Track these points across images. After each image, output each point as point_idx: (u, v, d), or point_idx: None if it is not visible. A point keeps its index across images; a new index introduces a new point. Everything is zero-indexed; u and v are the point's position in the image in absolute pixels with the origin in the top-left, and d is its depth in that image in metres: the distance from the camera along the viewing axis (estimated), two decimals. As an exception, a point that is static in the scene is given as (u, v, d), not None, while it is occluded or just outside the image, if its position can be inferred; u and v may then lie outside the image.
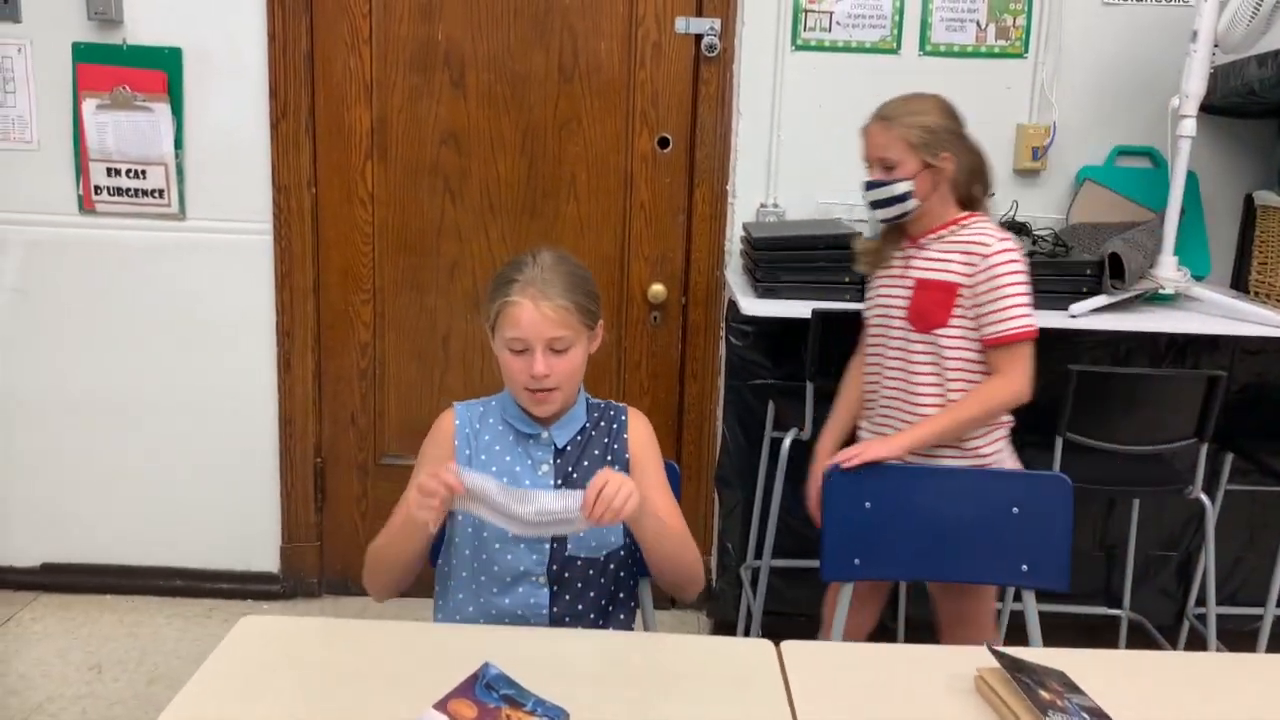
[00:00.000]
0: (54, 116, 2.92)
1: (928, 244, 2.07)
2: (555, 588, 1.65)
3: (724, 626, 2.97)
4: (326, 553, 3.19)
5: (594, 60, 2.93)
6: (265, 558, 3.16)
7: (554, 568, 1.64)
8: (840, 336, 2.45)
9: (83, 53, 2.88)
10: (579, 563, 1.65)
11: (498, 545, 1.64)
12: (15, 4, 2.86)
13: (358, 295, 3.08)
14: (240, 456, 3.10)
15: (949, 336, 2.03)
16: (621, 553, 1.70)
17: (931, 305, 2.03)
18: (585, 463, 1.69)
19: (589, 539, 1.65)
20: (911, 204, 2.03)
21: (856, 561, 1.97)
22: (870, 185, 2.07)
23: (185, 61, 2.89)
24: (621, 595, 1.73)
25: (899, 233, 2.11)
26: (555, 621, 1.64)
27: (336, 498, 3.18)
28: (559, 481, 1.67)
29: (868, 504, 1.97)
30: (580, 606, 1.66)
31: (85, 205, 2.96)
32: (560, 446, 1.69)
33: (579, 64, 2.93)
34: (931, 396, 2.06)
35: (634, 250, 3.02)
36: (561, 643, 1.50)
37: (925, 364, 2.06)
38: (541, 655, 1.43)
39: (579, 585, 1.66)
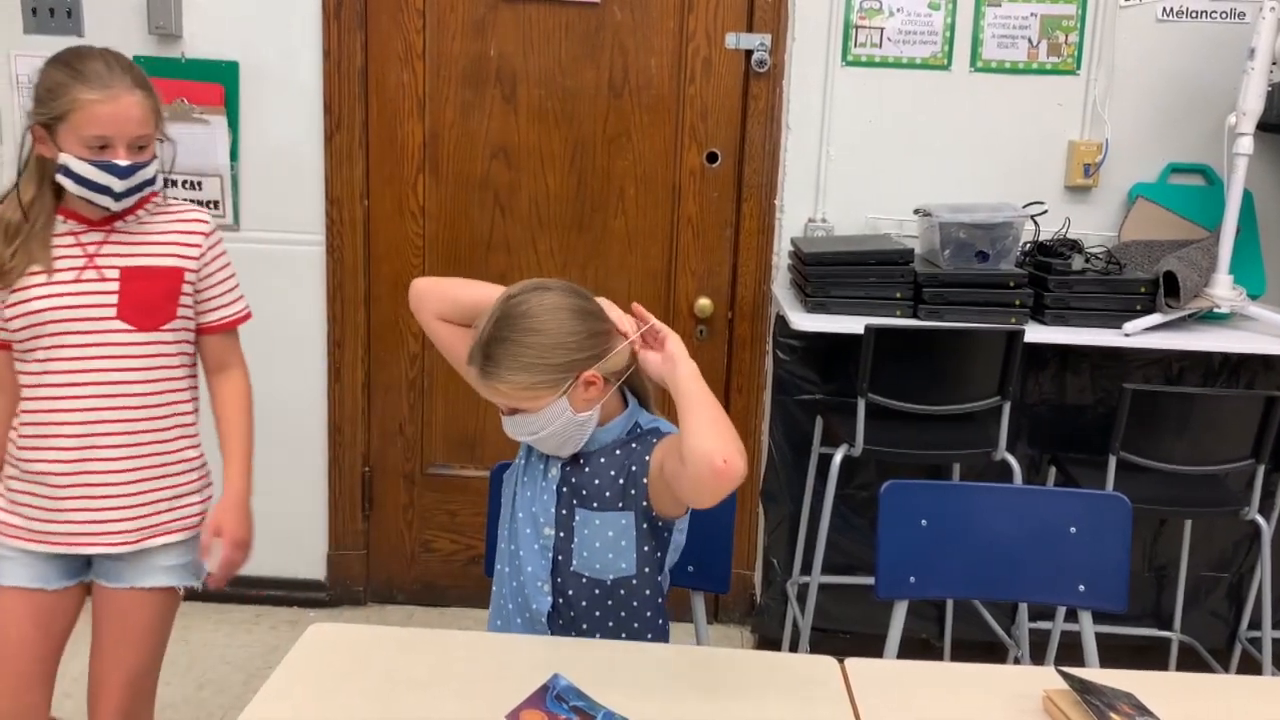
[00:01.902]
0: (113, 129, 2.97)
1: (123, 228, 1.75)
2: (559, 599, 1.61)
3: (768, 642, 2.96)
4: (372, 561, 3.22)
5: (644, 76, 2.95)
6: (312, 565, 3.19)
7: (558, 580, 1.61)
8: (892, 352, 2.46)
9: (143, 65, 2.92)
10: (583, 580, 1.61)
11: (518, 548, 1.63)
12: (78, 19, 2.92)
13: (407, 308, 3.07)
14: (289, 464, 3.13)
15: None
16: (634, 581, 1.62)
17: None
18: (590, 472, 1.61)
19: (594, 559, 1.60)
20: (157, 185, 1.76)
21: (911, 579, 1.97)
22: (130, 170, 1.67)
23: (242, 75, 2.94)
24: (634, 623, 1.64)
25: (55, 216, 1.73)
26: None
27: (383, 507, 3.21)
28: (564, 489, 1.61)
29: (924, 522, 1.96)
30: (585, 626, 1.61)
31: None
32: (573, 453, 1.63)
33: (629, 80, 2.96)
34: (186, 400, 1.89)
35: (681, 264, 3.04)
36: (626, 655, 1.51)
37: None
38: (606, 667, 1.44)
39: (583, 603, 1.61)
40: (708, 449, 1.40)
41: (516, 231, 3.05)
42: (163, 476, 1.85)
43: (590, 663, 1.44)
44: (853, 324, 2.50)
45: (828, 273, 2.60)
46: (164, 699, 2.67)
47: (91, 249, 1.73)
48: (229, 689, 2.75)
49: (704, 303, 3.02)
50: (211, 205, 2.99)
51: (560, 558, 1.61)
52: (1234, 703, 1.47)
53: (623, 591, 1.62)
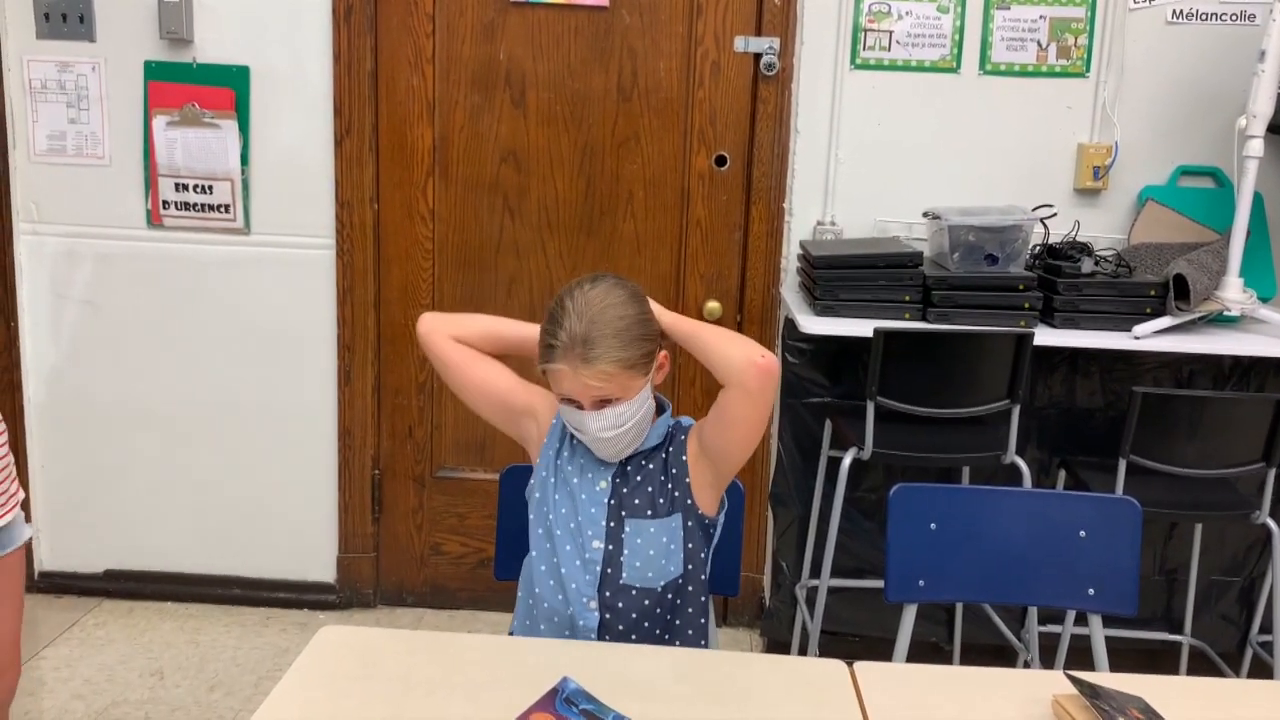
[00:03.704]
0: (125, 133, 2.99)
1: None
2: (607, 615, 1.62)
3: (777, 645, 2.96)
4: (383, 564, 3.23)
5: (653, 79, 2.96)
6: (322, 568, 3.20)
7: (606, 594, 1.61)
8: (901, 355, 2.46)
9: (154, 71, 2.95)
10: (633, 592, 1.62)
11: (558, 563, 1.64)
12: (90, 24, 2.94)
13: (417, 310, 3.09)
14: (300, 467, 3.15)
15: None
16: (680, 581, 1.65)
17: None
18: (641, 480, 1.67)
19: (646, 568, 1.61)
20: None
21: (921, 583, 1.96)
22: None
23: (252, 80, 2.95)
24: (679, 623, 1.67)
25: None
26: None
27: (393, 510, 3.21)
28: (613, 500, 1.65)
29: (933, 525, 1.96)
30: (634, 638, 1.62)
31: (153, 219, 3.03)
32: (620, 463, 1.68)
33: (638, 83, 2.96)
34: None
35: (689, 268, 3.04)
36: (635, 659, 1.51)
37: None
38: (616, 671, 1.44)
39: (633, 616, 1.63)
40: (742, 355, 1.57)
41: (525, 235, 3.06)
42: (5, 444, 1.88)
43: (599, 666, 1.44)
44: (861, 327, 2.50)
45: (836, 276, 2.60)
46: (174, 701, 2.70)
47: None
48: (239, 691, 2.76)
49: (713, 306, 3.03)
50: (223, 209, 3.01)
51: (610, 571, 1.62)
52: (1245, 707, 1.47)
53: (671, 596, 1.65)
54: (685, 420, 1.75)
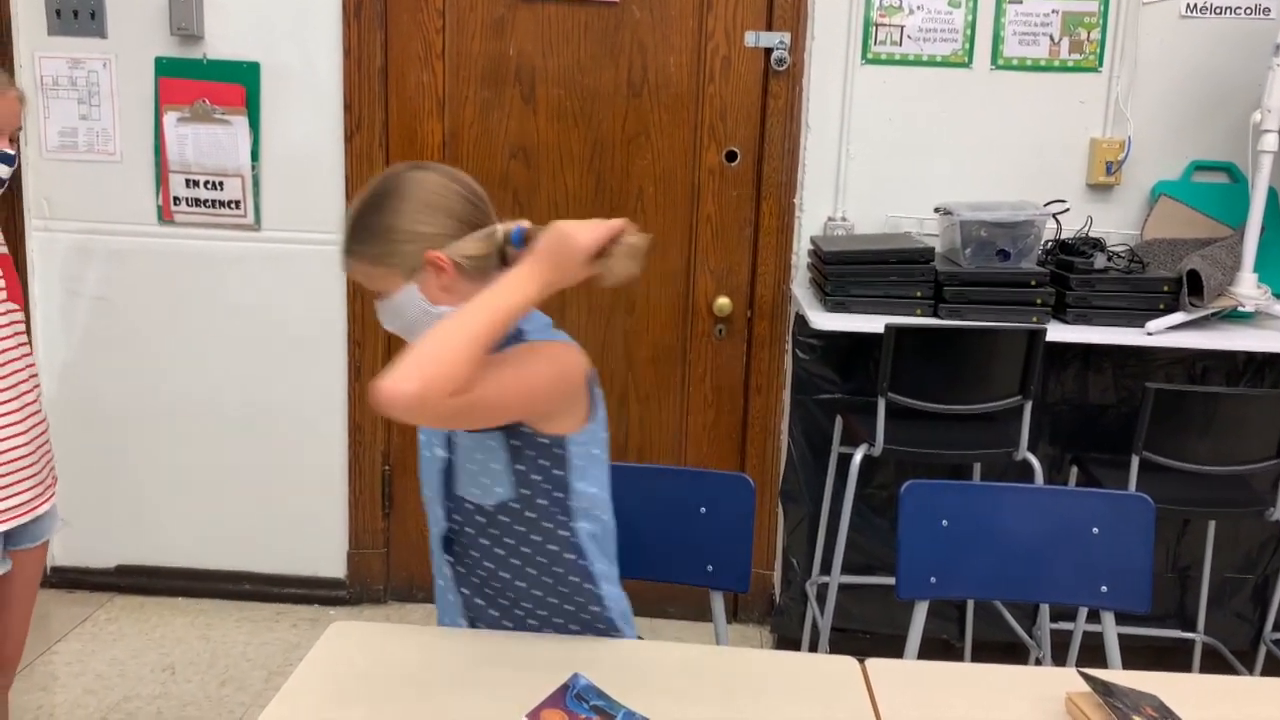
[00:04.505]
0: (136, 129, 3.00)
1: None
2: (454, 525, 1.55)
3: (788, 642, 2.95)
4: (393, 560, 3.23)
5: (663, 75, 2.95)
6: (333, 564, 3.21)
7: (450, 502, 1.54)
8: (912, 351, 2.45)
9: (165, 67, 2.96)
10: (468, 505, 1.52)
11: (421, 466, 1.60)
12: (101, 20, 2.95)
13: (426, 306, 3.11)
14: (310, 463, 3.15)
15: None
16: (517, 507, 1.49)
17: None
18: None
19: (471, 483, 1.50)
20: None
21: (932, 580, 1.95)
22: (14, 158, 1.79)
23: (263, 76, 2.96)
24: (532, 553, 1.52)
25: None
26: (457, 570, 1.57)
27: (403, 505, 3.22)
28: None
29: (944, 522, 1.95)
30: (475, 554, 1.54)
31: (164, 215, 3.03)
32: None
33: (648, 79, 2.95)
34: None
35: (700, 263, 3.03)
36: (645, 654, 1.51)
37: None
38: (625, 667, 1.44)
39: (470, 530, 1.54)
40: (393, 370, 1.25)
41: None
42: (48, 440, 1.96)
43: (611, 662, 1.44)
44: (873, 323, 2.49)
45: (847, 271, 2.59)
46: (185, 696, 2.70)
47: None
48: (250, 686, 2.76)
49: (723, 302, 3.02)
50: (233, 205, 3.01)
51: (450, 479, 1.53)
52: (1259, 705, 1.46)
53: (508, 520, 1.51)
54: (527, 335, 1.48)
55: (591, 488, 1.54)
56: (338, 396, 3.12)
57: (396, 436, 3.19)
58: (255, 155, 2.99)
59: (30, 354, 1.91)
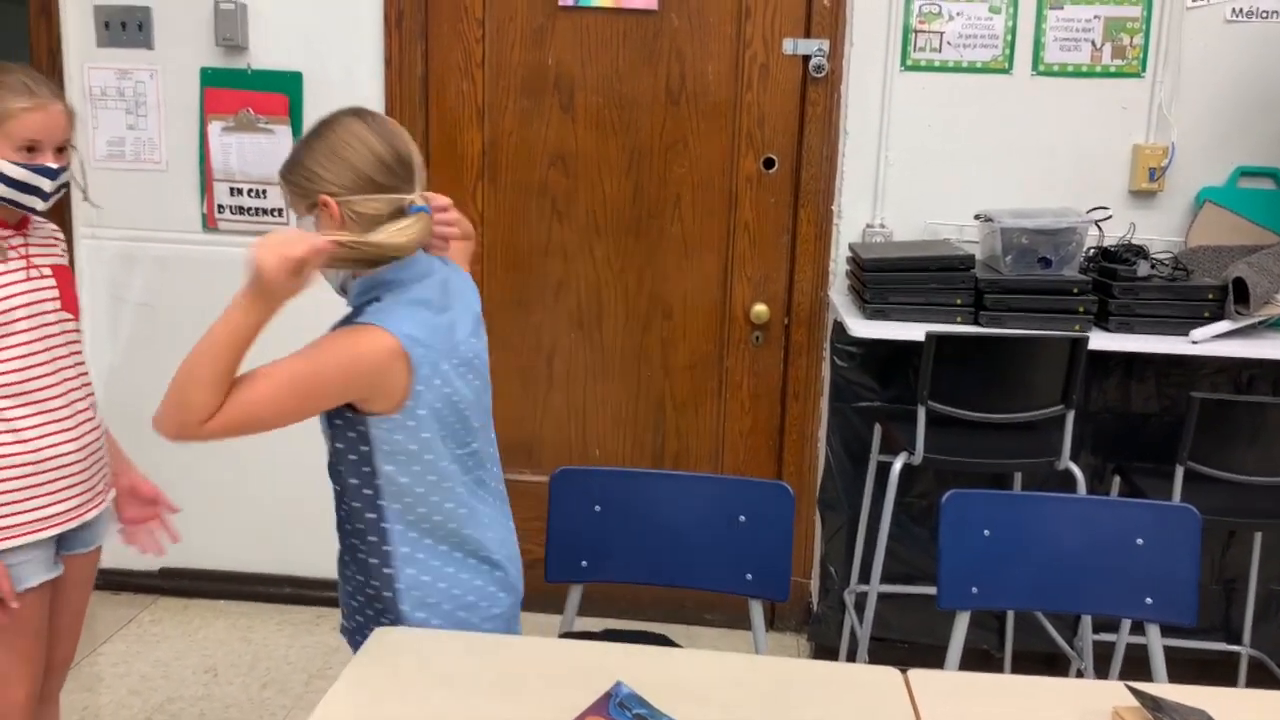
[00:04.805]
0: (181, 138, 3.05)
1: (35, 229, 1.88)
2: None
3: (825, 651, 2.94)
4: (430, 565, 3.25)
5: (701, 83, 2.95)
6: (371, 568, 3.23)
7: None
8: (952, 359, 2.44)
9: (210, 77, 3.00)
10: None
11: None
12: (149, 32, 3.00)
13: (465, 313, 3.14)
14: (350, 469, 3.17)
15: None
16: (334, 479, 1.62)
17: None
18: None
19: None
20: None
21: (974, 590, 1.94)
22: (58, 172, 1.78)
23: (305, 85, 2.99)
24: (348, 527, 1.64)
25: None
26: None
27: (441, 511, 3.24)
28: None
29: (986, 532, 1.94)
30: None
31: (209, 223, 3.08)
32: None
33: (686, 86, 2.96)
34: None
35: (737, 270, 3.03)
36: (688, 663, 1.51)
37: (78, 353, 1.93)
38: (668, 675, 1.44)
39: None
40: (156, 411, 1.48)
41: (573, 238, 3.07)
42: (101, 446, 1.99)
43: (654, 670, 1.45)
44: (913, 331, 2.48)
45: (887, 279, 2.59)
46: (227, 698, 2.74)
47: (18, 247, 1.82)
48: (291, 689, 2.79)
49: (760, 309, 3.02)
50: (276, 213, 3.05)
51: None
52: (1311, 721, 1.44)
53: (337, 489, 1.64)
54: (363, 319, 1.52)
55: (403, 476, 1.55)
56: (377, 402, 3.14)
57: (435, 442, 3.20)
58: (297, 164, 3.02)
59: (84, 362, 1.94)
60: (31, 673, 1.84)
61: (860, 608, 2.77)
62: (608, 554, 2.01)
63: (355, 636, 1.65)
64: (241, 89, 3.00)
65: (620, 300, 3.08)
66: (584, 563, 2.01)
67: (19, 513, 1.79)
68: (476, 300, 1.70)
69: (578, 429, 3.16)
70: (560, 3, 2.94)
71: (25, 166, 1.73)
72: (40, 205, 1.78)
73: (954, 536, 1.94)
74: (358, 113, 1.53)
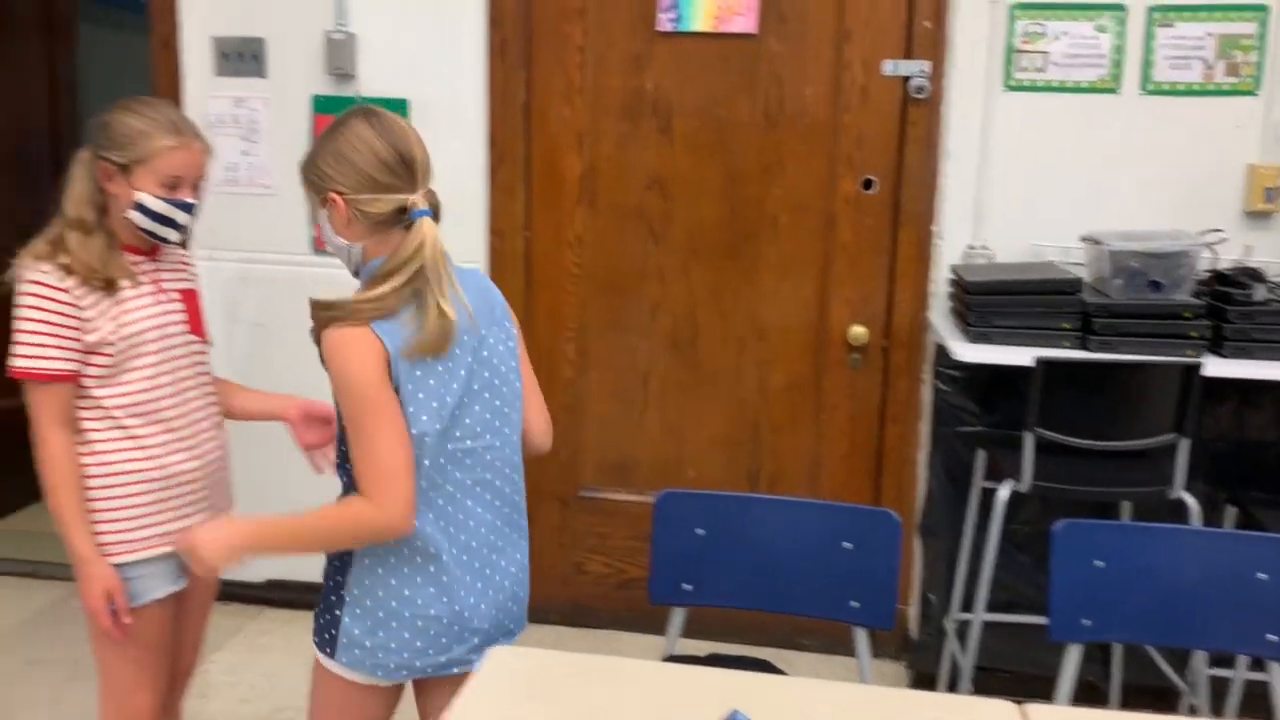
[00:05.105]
0: (292, 163, 3.11)
1: (166, 255, 1.97)
2: None
3: (925, 679, 2.90)
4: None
5: (799, 105, 2.96)
6: (469, 584, 3.28)
7: None
8: (1060, 385, 2.39)
9: (321, 104, 3.11)
10: None
11: None
12: (263, 62, 3.12)
13: (563, 333, 3.18)
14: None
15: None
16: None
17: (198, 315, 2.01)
18: None
19: None
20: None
21: (1086, 622, 1.91)
22: (194, 207, 1.88)
23: (411, 112, 3.07)
24: None
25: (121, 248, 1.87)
26: None
27: (538, 528, 3.24)
28: None
29: (1099, 563, 1.90)
30: None
31: (317, 245, 3.18)
32: None
33: (784, 109, 2.97)
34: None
35: (834, 292, 3.02)
36: (798, 692, 1.51)
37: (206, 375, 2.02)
38: (784, 704, 1.44)
39: None
40: None
41: (670, 260, 3.09)
42: (224, 466, 2.06)
43: (769, 699, 1.45)
44: (1018, 355, 2.44)
45: (991, 302, 2.55)
46: (334, 709, 2.79)
47: (149, 273, 1.90)
48: (393, 701, 2.84)
49: (858, 330, 3.00)
50: (381, 236, 3.13)
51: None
52: None
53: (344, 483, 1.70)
54: (336, 326, 1.58)
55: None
56: (476, 421, 3.20)
57: (531, 461, 3.23)
58: (403, 188, 3.10)
59: (210, 384, 2.02)
60: (155, 683, 1.92)
61: (962, 635, 2.72)
62: (711, 578, 2.02)
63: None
64: (350, 116, 3.09)
65: (716, 322, 3.09)
66: (687, 586, 2.02)
67: (144, 527, 1.87)
68: (497, 296, 1.76)
69: (673, 450, 3.17)
70: (659, 29, 2.97)
71: (166, 201, 1.82)
72: (174, 237, 1.87)
73: (1066, 567, 1.91)
74: (366, 114, 1.62)
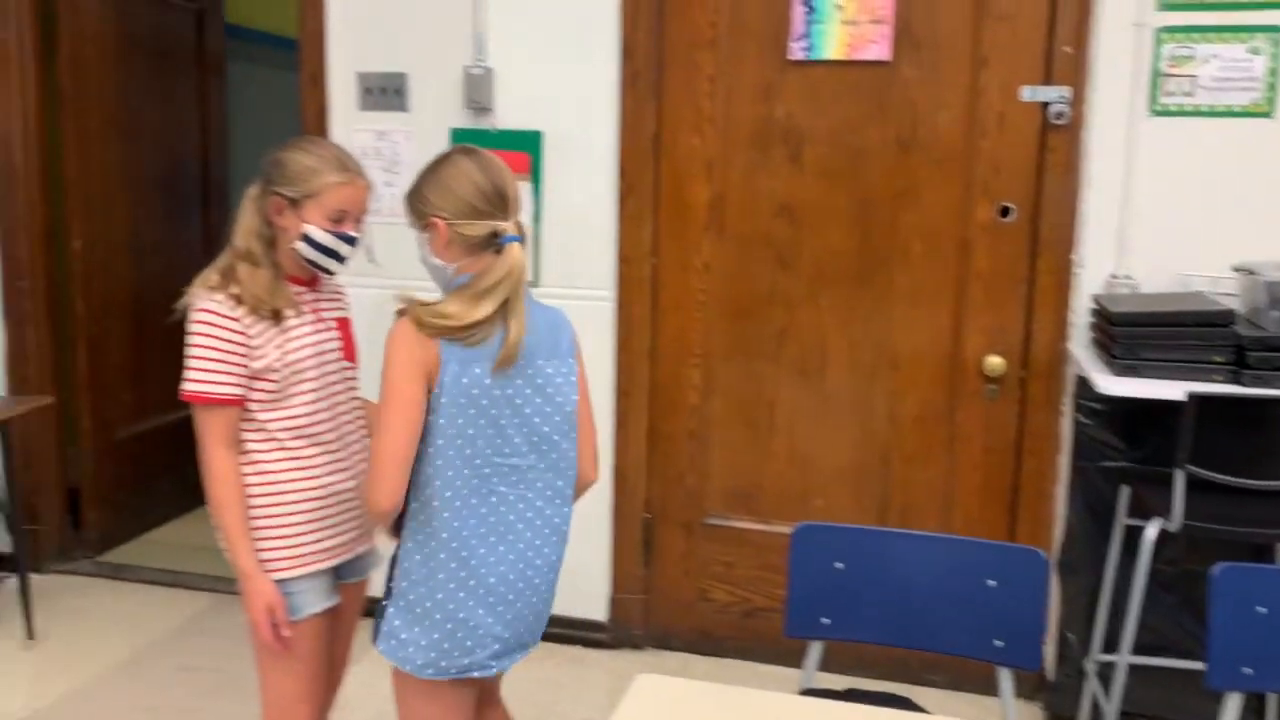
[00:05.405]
0: (431, 194, 3.25)
1: (325, 285, 2.07)
2: None
3: (1062, 720, 2.81)
4: (652, 607, 3.31)
5: (933, 131, 2.93)
6: (595, 606, 3.32)
7: None
8: (1215, 421, 2.30)
9: (458, 137, 3.20)
10: None
11: None
12: (405, 96, 3.24)
13: (689, 360, 3.20)
14: (577, 507, 3.27)
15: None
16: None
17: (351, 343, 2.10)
18: None
19: None
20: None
21: (1248, 671, 1.82)
22: (356, 240, 1.99)
23: (545, 144, 3.15)
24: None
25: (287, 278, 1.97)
26: None
27: (663, 554, 3.30)
28: None
29: (1261, 609, 1.82)
30: None
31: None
32: None
33: (918, 135, 2.94)
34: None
35: (969, 321, 2.97)
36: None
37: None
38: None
39: None
40: None
41: (797, 287, 3.08)
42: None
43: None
44: (1167, 389, 2.36)
45: (1139, 333, 2.47)
46: (465, 727, 2.84)
47: (309, 302, 2.00)
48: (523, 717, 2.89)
49: (994, 361, 2.94)
50: (514, 263, 3.21)
51: None
52: None
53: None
54: (397, 329, 1.75)
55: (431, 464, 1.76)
56: (604, 444, 3.24)
57: (657, 487, 3.28)
58: (536, 217, 3.18)
59: (361, 406, 2.10)
60: (315, 696, 2.00)
61: (1104, 677, 2.63)
62: (850, 612, 2.00)
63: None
64: (488, 148, 3.15)
65: (845, 350, 3.07)
66: (825, 619, 2.00)
67: (304, 544, 1.95)
68: (567, 334, 1.91)
69: (799, 479, 3.16)
70: (790, 58, 2.98)
71: (333, 234, 1.91)
72: (337, 268, 1.96)
73: (1226, 613, 1.83)
74: (467, 151, 1.85)
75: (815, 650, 2.02)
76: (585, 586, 3.31)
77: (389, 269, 3.31)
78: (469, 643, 1.78)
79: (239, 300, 1.88)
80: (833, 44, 2.94)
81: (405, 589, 1.80)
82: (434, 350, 1.71)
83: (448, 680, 1.81)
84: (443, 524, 1.76)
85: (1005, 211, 2.91)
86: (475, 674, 1.80)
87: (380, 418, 1.73)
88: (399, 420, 1.71)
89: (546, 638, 3.27)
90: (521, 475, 1.81)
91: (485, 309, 1.72)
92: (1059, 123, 2.81)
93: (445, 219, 1.77)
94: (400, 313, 1.75)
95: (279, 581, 1.91)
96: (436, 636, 1.78)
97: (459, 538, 1.76)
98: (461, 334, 1.72)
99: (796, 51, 2.97)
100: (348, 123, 3.29)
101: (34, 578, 3.45)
